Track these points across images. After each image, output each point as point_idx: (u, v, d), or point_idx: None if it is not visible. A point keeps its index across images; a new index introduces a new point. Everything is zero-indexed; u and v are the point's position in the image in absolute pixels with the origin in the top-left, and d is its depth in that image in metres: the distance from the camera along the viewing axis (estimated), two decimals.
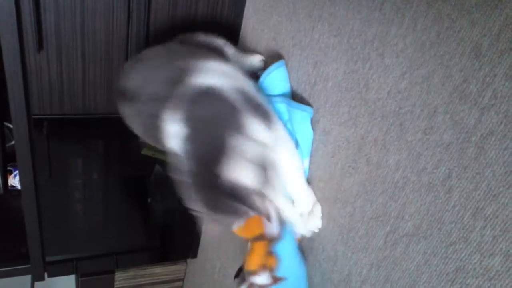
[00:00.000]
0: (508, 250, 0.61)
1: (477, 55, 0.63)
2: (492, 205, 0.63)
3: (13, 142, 1.59)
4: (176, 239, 2.02)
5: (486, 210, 0.63)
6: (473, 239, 0.66)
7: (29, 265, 1.65)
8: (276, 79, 1.08)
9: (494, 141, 0.62)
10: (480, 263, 0.65)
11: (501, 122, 0.60)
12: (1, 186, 1.71)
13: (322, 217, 1.03)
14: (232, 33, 1.43)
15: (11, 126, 1.54)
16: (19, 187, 1.67)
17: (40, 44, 1.22)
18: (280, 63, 1.09)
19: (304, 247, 1.11)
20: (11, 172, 1.73)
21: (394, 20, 0.78)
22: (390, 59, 0.80)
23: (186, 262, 2.18)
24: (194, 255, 2.04)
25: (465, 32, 0.65)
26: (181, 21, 1.33)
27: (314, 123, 1.04)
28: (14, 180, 1.74)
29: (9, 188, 1.75)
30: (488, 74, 0.62)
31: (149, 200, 1.94)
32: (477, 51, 0.63)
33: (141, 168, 1.81)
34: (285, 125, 0.99)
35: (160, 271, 2.15)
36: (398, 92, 0.78)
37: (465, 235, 0.67)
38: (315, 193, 1.05)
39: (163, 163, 1.86)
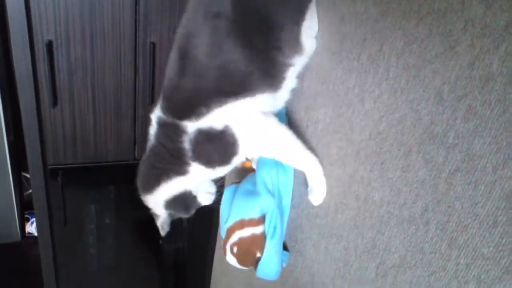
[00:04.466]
0: (480, 276, 0.66)
1: (440, 100, 0.71)
2: (463, 235, 0.69)
3: (30, 191, 1.68)
4: (188, 279, 2.07)
5: (458, 240, 0.69)
6: (450, 268, 0.71)
7: None
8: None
9: (460, 177, 0.68)
10: None
11: (464, 160, 0.67)
12: (19, 233, 1.79)
13: (321, 253, 1.09)
14: None
15: (28, 175, 1.64)
16: (35, 234, 1.75)
17: (54, 99, 1.33)
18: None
19: (305, 282, 1.17)
20: (28, 220, 1.82)
21: (370, 70, 0.86)
22: (369, 104, 0.88)
23: None
24: None
25: (428, 80, 0.73)
26: None
27: None
28: (31, 227, 1.82)
29: (27, 235, 1.82)
30: (450, 117, 0.69)
31: (160, 242, 2.00)
32: (439, 97, 0.71)
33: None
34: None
35: None
36: (378, 134, 0.86)
37: (443, 264, 0.73)
38: (312, 230, 1.12)
39: None
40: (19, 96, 1.28)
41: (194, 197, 1.12)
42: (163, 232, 1.18)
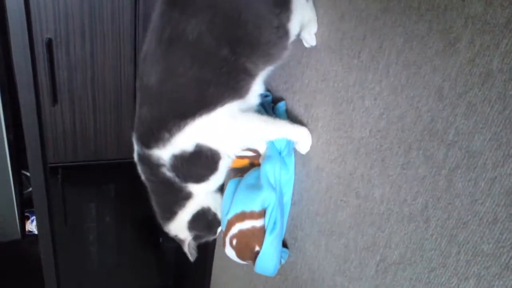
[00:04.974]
0: (480, 273, 0.66)
1: (440, 97, 0.71)
2: (463, 232, 0.69)
3: (30, 189, 1.68)
4: (188, 277, 2.07)
5: (458, 237, 0.70)
6: (450, 264, 0.72)
7: None
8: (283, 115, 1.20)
9: (460, 174, 0.68)
10: (458, 287, 0.70)
11: (464, 157, 0.67)
12: (19, 231, 1.79)
13: (321, 250, 1.09)
14: None
15: (28, 173, 1.64)
16: (36, 232, 1.75)
17: (54, 98, 1.33)
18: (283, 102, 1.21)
19: (305, 279, 1.17)
20: (28, 218, 1.82)
21: (370, 67, 0.86)
22: (369, 102, 0.88)
23: None
24: None
25: (428, 77, 0.73)
26: None
27: (307, 160, 1.11)
28: (31, 226, 1.82)
29: (27, 233, 1.83)
30: (451, 114, 0.69)
31: (161, 239, 2.00)
32: (439, 94, 0.71)
33: (152, 209, 1.89)
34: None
35: None
36: (378, 131, 0.86)
37: (443, 261, 0.73)
38: (313, 227, 1.12)
39: None
40: (19, 94, 1.28)
41: (214, 214, 1.15)
42: (192, 258, 1.20)
